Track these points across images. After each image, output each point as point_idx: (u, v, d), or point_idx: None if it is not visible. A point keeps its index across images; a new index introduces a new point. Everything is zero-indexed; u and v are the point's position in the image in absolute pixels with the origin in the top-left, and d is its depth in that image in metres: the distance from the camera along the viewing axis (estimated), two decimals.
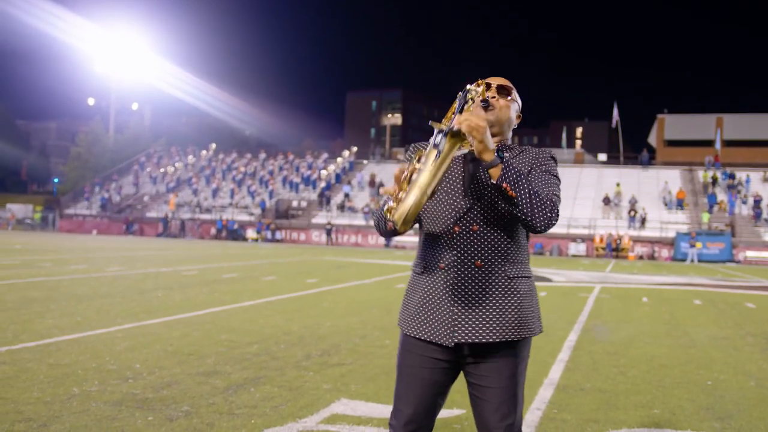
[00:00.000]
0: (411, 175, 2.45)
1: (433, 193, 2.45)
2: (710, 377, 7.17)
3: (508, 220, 2.70)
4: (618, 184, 50.03)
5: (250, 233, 49.56)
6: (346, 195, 52.74)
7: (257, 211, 52.71)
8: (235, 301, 11.98)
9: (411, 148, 2.69)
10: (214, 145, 67.01)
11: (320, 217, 50.92)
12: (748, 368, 7.77)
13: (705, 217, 44.52)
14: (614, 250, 42.07)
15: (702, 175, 51.16)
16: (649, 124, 79.85)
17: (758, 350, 9.05)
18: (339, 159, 60.68)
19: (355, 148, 64.36)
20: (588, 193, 50.81)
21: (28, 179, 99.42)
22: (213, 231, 50.60)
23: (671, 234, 43.00)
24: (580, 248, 43.06)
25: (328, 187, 55.29)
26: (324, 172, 57.42)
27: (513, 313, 2.70)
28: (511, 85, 2.86)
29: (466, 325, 2.67)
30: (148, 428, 4.69)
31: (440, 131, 2.44)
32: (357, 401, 5.64)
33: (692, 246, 39.41)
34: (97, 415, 4.91)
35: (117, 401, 5.30)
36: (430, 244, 2.77)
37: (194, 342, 7.97)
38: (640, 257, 42.00)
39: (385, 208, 2.49)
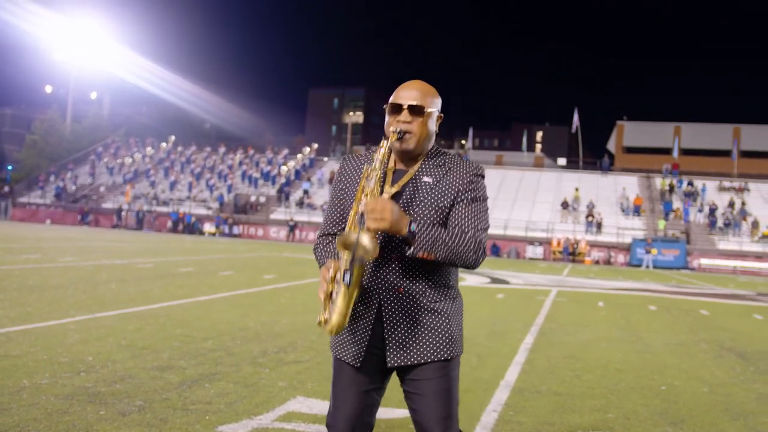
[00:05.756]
0: (332, 293, 2.61)
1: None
2: (664, 382, 7.25)
3: None
4: (576, 189, 50.54)
5: (208, 227, 49.14)
6: (306, 192, 52.55)
7: (215, 205, 52.27)
8: (191, 296, 11.84)
9: (341, 163, 2.96)
10: (173, 138, 66.27)
11: (279, 213, 50.65)
12: (702, 374, 7.87)
13: (661, 224, 45.17)
14: (571, 254, 42.49)
15: (660, 182, 51.91)
16: (608, 130, 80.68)
17: (711, 357, 9.17)
18: (299, 155, 60.47)
19: (315, 145, 64.20)
20: (546, 197, 51.23)
21: None
22: (169, 224, 50.04)
23: (627, 240, 43.56)
24: (537, 251, 43.41)
25: (288, 183, 55.02)
26: (284, 168, 57.13)
27: (443, 333, 2.74)
28: (423, 97, 2.75)
29: (396, 349, 2.71)
30: (100, 423, 4.59)
31: (346, 271, 2.52)
32: (313, 399, 5.59)
33: (648, 252, 39.96)
34: (47, 409, 4.79)
35: (68, 395, 5.18)
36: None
37: (148, 336, 7.85)
38: (597, 262, 42.47)
39: (318, 320, 2.63)
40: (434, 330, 2.73)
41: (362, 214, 2.55)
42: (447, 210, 2.73)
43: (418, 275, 2.72)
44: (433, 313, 2.73)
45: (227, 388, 5.73)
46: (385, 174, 2.80)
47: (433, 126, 2.79)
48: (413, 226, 2.56)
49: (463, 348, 2.88)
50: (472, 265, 2.66)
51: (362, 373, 2.77)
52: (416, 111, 2.73)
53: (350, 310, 2.58)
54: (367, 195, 2.66)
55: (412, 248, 2.58)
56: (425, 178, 2.76)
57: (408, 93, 2.76)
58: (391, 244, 2.70)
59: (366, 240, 2.50)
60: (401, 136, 2.72)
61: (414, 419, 2.78)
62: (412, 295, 2.72)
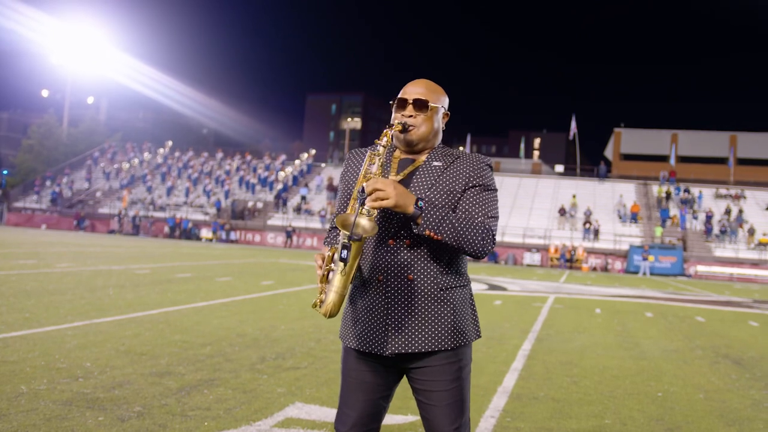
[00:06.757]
0: (328, 274, 2.59)
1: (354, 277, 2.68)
2: (660, 389, 7.27)
3: None
4: (574, 196, 50.61)
5: (205, 233, 49.10)
6: (303, 197, 52.56)
7: (212, 210, 52.25)
8: (189, 302, 11.85)
9: (347, 157, 2.96)
10: (170, 143, 66.29)
11: (276, 219, 50.65)
12: (697, 381, 7.90)
13: (658, 231, 45.24)
14: (568, 261, 42.52)
15: (657, 189, 52.02)
16: (606, 138, 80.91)
17: (707, 363, 9.20)
18: (297, 161, 60.52)
19: (313, 151, 64.23)
20: (544, 203, 51.30)
21: None
22: (166, 230, 50.00)
23: (624, 246, 43.61)
24: (535, 258, 43.45)
25: (285, 188, 55.03)
26: (281, 174, 57.15)
27: (447, 323, 2.70)
28: (428, 93, 2.81)
29: (399, 336, 2.68)
30: (99, 428, 4.60)
31: (344, 246, 2.48)
32: (311, 405, 5.60)
33: (645, 259, 40.03)
34: (46, 414, 4.80)
35: (67, 400, 5.20)
36: (368, 256, 2.76)
37: (147, 342, 7.86)
38: (594, 269, 42.50)
39: (313, 302, 2.62)
40: (439, 319, 2.69)
41: (362, 191, 2.53)
42: (459, 195, 2.71)
43: (429, 262, 2.70)
44: (439, 302, 2.70)
45: (226, 394, 5.74)
46: (389, 162, 2.81)
47: (438, 123, 2.83)
48: (420, 203, 2.55)
49: (479, 334, 2.85)
50: (479, 252, 2.62)
51: (371, 379, 2.76)
52: (421, 105, 2.77)
53: (347, 291, 2.56)
54: (368, 178, 2.63)
55: (419, 226, 2.55)
56: (435, 163, 2.78)
57: (414, 89, 2.81)
58: (400, 231, 2.69)
59: (364, 220, 2.48)
60: (405, 128, 2.74)
61: (422, 413, 2.77)
62: (420, 282, 2.68)
